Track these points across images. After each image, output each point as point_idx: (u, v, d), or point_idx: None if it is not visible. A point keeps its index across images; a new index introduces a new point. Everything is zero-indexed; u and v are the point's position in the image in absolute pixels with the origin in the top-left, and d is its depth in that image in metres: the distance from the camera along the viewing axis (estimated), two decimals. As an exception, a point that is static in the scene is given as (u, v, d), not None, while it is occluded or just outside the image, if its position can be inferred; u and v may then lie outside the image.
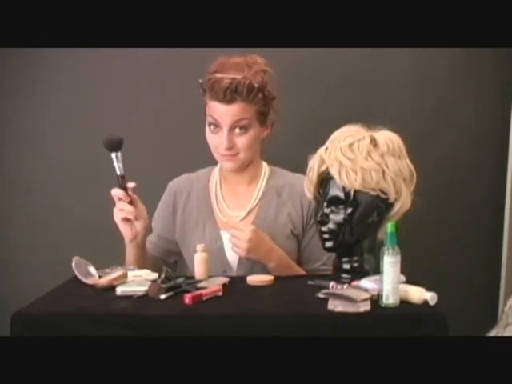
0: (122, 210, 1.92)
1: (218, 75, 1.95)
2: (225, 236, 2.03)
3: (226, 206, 2.09)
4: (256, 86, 1.96)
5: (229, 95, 1.93)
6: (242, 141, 2.00)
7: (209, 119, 2.00)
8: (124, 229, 1.94)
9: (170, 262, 2.13)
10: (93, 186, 2.61)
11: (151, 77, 2.56)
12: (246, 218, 2.06)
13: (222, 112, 1.96)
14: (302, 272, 2.01)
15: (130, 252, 1.97)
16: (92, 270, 1.85)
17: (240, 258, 2.02)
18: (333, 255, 1.88)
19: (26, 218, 2.62)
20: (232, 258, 2.03)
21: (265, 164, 2.14)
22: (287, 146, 2.46)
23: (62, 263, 2.49)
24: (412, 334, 1.50)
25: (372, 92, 2.56)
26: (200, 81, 2.00)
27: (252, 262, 2.00)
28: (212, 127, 2.00)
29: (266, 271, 1.98)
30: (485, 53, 2.50)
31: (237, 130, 1.98)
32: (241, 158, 2.02)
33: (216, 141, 2.00)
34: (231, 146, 1.99)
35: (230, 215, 2.07)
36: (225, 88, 1.93)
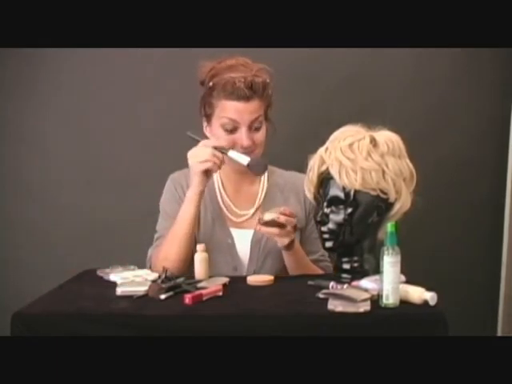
0: (212, 159, 1.92)
1: (227, 76, 1.96)
2: (235, 233, 2.05)
3: (232, 204, 2.09)
4: (268, 81, 2.00)
5: (248, 92, 1.95)
6: (258, 137, 2.02)
7: (223, 121, 1.99)
8: (202, 179, 1.94)
9: None
10: (93, 186, 2.61)
11: (151, 77, 2.56)
12: (254, 216, 2.07)
13: (240, 110, 1.97)
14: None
15: (192, 206, 1.96)
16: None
17: (251, 255, 2.03)
18: None
19: (25, 218, 2.62)
20: (243, 254, 2.04)
21: None
22: (287, 146, 2.46)
23: (62, 263, 2.51)
24: (412, 334, 1.50)
25: (372, 92, 2.56)
26: (210, 84, 1.99)
27: (263, 258, 2.02)
28: (228, 127, 1.99)
29: (276, 267, 2.01)
30: (485, 53, 2.51)
31: (253, 128, 2.00)
32: (256, 154, 2.03)
33: (231, 140, 2.00)
34: (251, 144, 1.99)
35: (237, 214, 2.08)
36: (242, 86, 1.94)
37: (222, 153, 1.94)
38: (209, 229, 2.06)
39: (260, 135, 2.02)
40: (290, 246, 1.94)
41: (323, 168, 1.79)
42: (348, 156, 1.74)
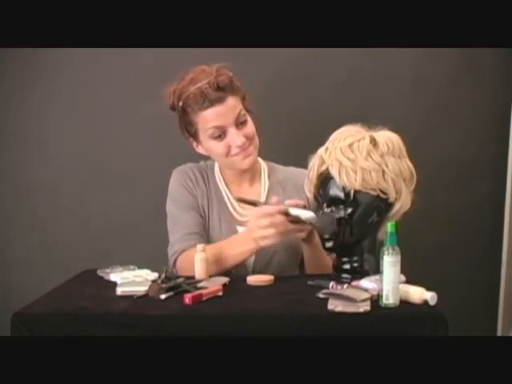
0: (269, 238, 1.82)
1: (192, 89, 1.95)
2: (241, 231, 2.04)
3: (236, 204, 2.09)
4: (231, 75, 1.98)
5: (219, 93, 1.94)
6: (247, 130, 2.00)
7: (210, 132, 1.98)
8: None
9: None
10: (93, 186, 2.61)
11: (151, 77, 2.55)
12: None
13: (221, 113, 1.95)
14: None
15: (244, 259, 1.93)
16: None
17: (257, 254, 2.01)
18: None
19: (26, 218, 2.63)
20: None
21: (260, 159, 2.15)
22: (287, 146, 2.46)
23: (61, 263, 2.52)
24: (412, 334, 1.50)
25: (372, 92, 2.56)
26: (180, 103, 1.98)
27: (270, 254, 2.02)
28: (216, 135, 1.98)
29: (283, 263, 2.01)
30: (485, 53, 2.51)
31: (240, 123, 1.99)
32: (255, 146, 2.03)
33: (226, 146, 1.99)
34: (244, 140, 1.98)
35: (241, 213, 2.07)
36: (210, 91, 1.93)
37: (286, 214, 1.80)
38: (216, 228, 2.06)
39: (249, 127, 2.01)
40: (307, 240, 1.92)
41: (323, 168, 1.79)
42: (348, 156, 1.74)
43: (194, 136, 2.04)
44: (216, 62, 2.00)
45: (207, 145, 2.02)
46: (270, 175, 2.13)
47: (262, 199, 2.08)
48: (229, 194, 2.10)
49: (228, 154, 2.00)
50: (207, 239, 2.04)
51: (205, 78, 1.96)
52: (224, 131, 1.98)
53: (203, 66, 2.00)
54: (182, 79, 2.00)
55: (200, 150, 2.07)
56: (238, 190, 2.11)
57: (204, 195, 2.09)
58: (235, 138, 1.97)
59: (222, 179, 2.12)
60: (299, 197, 2.06)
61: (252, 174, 2.10)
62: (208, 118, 1.97)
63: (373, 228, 1.80)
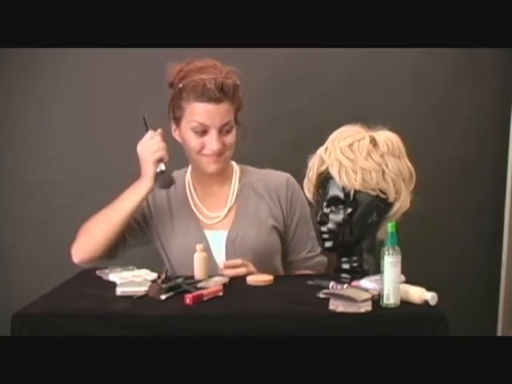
0: (159, 149, 1.95)
1: (197, 77, 1.95)
2: (209, 235, 2.04)
3: (203, 207, 2.09)
4: (238, 83, 1.98)
5: (219, 94, 1.93)
6: (228, 139, 2.00)
7: (193, 125, 1.98)
8: (155, 169, 1.96)
9: (128, 243, 2.11)
10: (93, 186, 2.61)
11: (151, 77, 2.55)
12: (227, 217, 2.07)
13: (210, 112, 1.95)
14: None
15: (141, 197, 1.99)
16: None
17: (227, 256, 2.01)
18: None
19: (25, 218, 2.62)
20: (218, 256, 2.02)
21: (234, 163, 2.14)
22: (287, 146, 2.46)
23: (61, 263, 2.51)
24: (412, 334, 1.50)
25: (372, 92, 2.56)
26: (180, 85, 1.98)
27: (241, 254, 1.99)
28: (198, 130, 1.98)
29: (256, 262, 1.98)
30: (485, 53, 2.51)
31: (224, 130, 1.99)
32: (226, 157, 2.03)
33: (201, 143, 1.99)
34: (221, 147, 1.99)
35: (209, 216, 2.07)
36: (213, 88, 1.93)
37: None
38: (183, 230, 2.05)
39: (230, 138, 2.01)
40: None
41: (323, 168, 1.79)
42: (348, 156, 1.74)
43: (177, 120, 2.04)
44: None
45: (185, 134, 2.02)
46: (242, 178, 2.12)
47: (231, 202, 2.08)
48: (195, 199, 2.09)
49: (199, 152, 2.00)
50: (173, 246, 2.04)
51: (213, 73, 1.95)
52: (206, 130, 1.97)
53: (216, 62, 2.00)
54: (191, 63, 1.99)
55: (176, 135, 2.07)
56: (207, 191, 2.10)
57: (164, 209, 2.09)
58: (213, 141, 1.97)
59: (191, 182, 2.12)
60: (271, 199, 2.08)
61: (224, 176, 2.10)
62: (197, 111, 1.96)
63: (372, 228, 1.80)
